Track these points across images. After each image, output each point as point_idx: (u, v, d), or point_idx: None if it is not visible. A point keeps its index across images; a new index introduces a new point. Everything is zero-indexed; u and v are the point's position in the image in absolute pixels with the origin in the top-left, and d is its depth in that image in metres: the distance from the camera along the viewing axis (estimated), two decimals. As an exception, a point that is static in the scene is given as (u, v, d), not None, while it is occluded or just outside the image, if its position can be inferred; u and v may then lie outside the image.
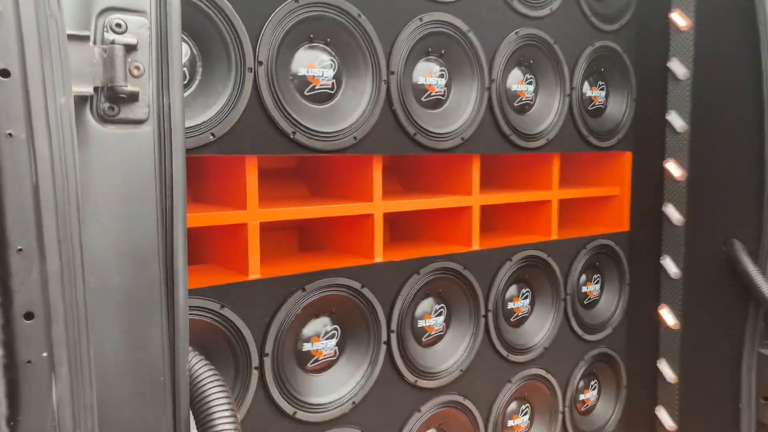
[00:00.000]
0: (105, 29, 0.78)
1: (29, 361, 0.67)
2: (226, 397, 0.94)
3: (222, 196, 1.71)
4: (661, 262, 2.34)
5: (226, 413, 0.92)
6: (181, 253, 0.87)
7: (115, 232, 0.81)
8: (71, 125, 0.72)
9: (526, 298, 2.23)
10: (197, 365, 0.95)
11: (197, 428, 0.93)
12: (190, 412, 0.93)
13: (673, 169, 2.27)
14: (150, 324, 0.84)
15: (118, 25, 0.79)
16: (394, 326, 1.82)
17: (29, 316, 0.67)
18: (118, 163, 0.81)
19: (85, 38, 0.76)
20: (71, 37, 0.74)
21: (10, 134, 0.66)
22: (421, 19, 1.78)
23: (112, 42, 0.78)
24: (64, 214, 0.71)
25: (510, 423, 2.20)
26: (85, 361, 0.74)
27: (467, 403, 2.01)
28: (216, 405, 0.92)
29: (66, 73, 0.71)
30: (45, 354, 0.69)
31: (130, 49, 0.79)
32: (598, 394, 2.51)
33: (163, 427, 0.86)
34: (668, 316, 2.33)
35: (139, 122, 0.82)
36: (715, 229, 2.19)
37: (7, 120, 0.65)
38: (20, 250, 0.67)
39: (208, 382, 0.94)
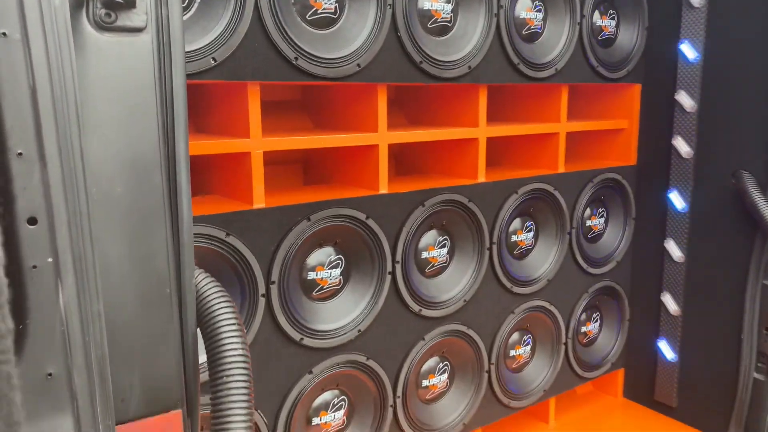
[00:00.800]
0: (97, -71, 0.75)
1: (35, 266, 0.68)
2: (233, 313, 0.95)
3: (225, 126, 1.69)
4: (669, 195, 2.33)
5: (233, 328, 0.93)
6: (184, 165, 0.86)
7: (116, 142, 0.80)
8: (67, 28, 0.70)
9: (530, 231, 2.23)
10: (203, 281, 0.96)
11: (204, 342, 0.94)
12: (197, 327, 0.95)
13: (684, 100, 2.23)
14: (154, 236, 0.84)
15: (111, -75, 0.76)
16: (398, 257, 1.83)
17: (32, 221, 0.67)
18: (117, 72, 0.79)
19: (77, -63, 0.73)
20: (62, -65, 0.71)
21: (4, 33, 0.64)
22: (427, -60, 1.72)
23: (106, -58, 0.75)
24: (64, 119, 0.70)
25: (512, 353, 2.24)
26: (91, 270, 0.75)
27: (470, 332, 2.04)
28: (223, 319, 0.93)
29: (59, -28, 0.68)
30: (50, 260, 0.69)
31: (124, -49, 0.76)
32: (600, 326, 2.54)
33: (171, 338, 0.87)
34: (673, 249, 2.33)
35: (137, 30, 0.80)
36: (725, 162, 2.17)
37: (0, 18, 0.63)
38: (20, 154, 0.66)
39: (215, 298, 0.95)
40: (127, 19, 0.79)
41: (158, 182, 0.84)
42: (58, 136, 0.69)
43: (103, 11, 0.77)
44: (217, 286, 0.96)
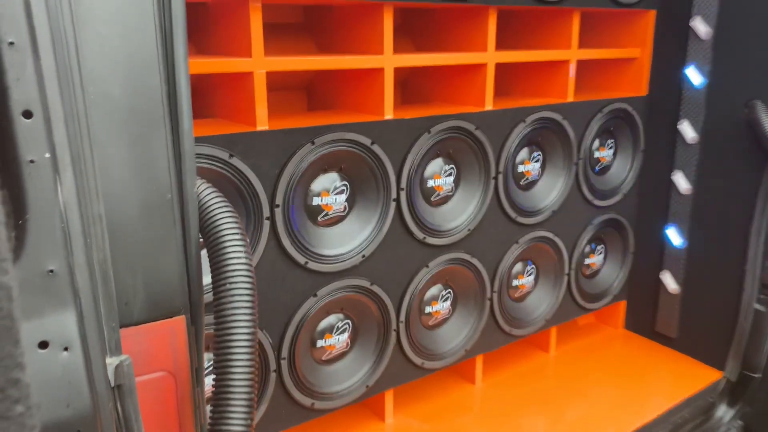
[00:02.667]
0: None
1: (32, 161, 0.66)
2: (235, 223, 0.94)
3: (226, 47, 1.65)
4: (678, 127, 2.29)
5: (237, 237, 0.93)
6: (183, 68, 0.83)
7: (111, 40, 0.77)
8: None
9: (537, 161, 2.20)
10: (206, 191, 0.95)
11: (207, 251, 0.94)
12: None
13: (699, 26, 2.16)
14: (154, 140, 0.82)
15: None
16: (403, 184, 1.82)
17: (27, 114, 0.66)
18: (109, -36, 0.76)
19: None
20: None
21: None
22: None
23: None
24: (56, 9, 0.67)
25: (515, 282, 2.26)
26: (90, 169, 0.74)
27: (474, 261, 2.05)
28: (225, 228, 0.92)
29: None
30: (47, 155, 0.68)
31: None
32: (604, 258, 2.55)
33: (173, 244, 0.87)
34: (681, 181, 2.30)
35: None
36: (738, 91, 2.12)
37: None
38: (11, 43, 0.64)
39: (217, 207, 0.94)
40: None
41: (156, 85, 0.81)
42: (51, 27, 0.67)
43: None
44: (219, 196, 0.95)
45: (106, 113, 0.79)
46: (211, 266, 0.93)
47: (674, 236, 2.37)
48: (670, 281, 2.41)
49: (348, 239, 1.76)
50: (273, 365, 1.69)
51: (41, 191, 0.67)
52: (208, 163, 1.46)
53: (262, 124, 1.57)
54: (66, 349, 0.70)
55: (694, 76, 2.22)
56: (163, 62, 0.82)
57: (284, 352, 1.70)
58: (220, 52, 1.68)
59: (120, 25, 0.78)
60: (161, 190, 0.84)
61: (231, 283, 0.89)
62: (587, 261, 2.48)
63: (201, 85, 1.75)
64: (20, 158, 0.66)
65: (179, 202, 0.87)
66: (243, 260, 0.90)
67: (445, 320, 2.10)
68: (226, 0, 1.48)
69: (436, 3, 1.77)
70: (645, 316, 2.55)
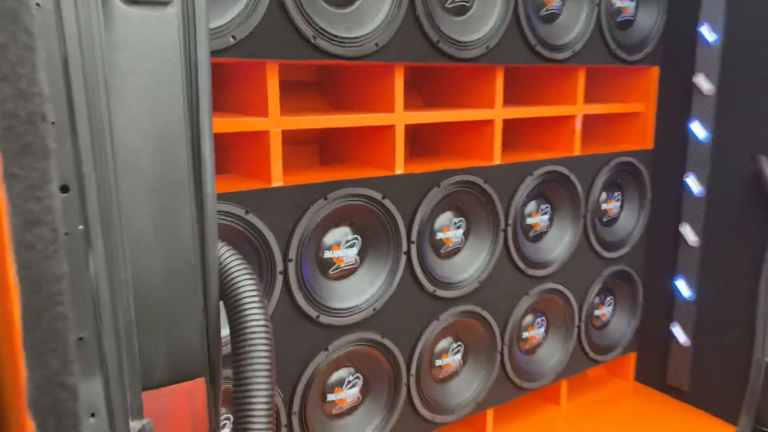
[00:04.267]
0: None
1: (67, 233, 0.69)
2: (255, 285, 0.96)
3: (243, 105, 1.70)
4: (685, 179, 2.32)
5: (255, 299, 0.95)
6: (208, 138, 0.87)
7: (142, 114, 0.81)
8: (96, 0, 0.71)
9: (545, 213, 2.23)
10: (226, 254, 0.98)
11: (227, 313, 0.96)
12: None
13: (702, 83, 2.21)
14: (179, 207, 0.85)
15: None
16: (414, 237, 1.84)
17: (65, 189, 0.69)
18: (144, 45, 0.81)
19: None
20: None
21: (38, 4, 0.65)
22: None
23: None
24: (93, 89, 0.71)
25: (525, 335, 2.26)
26: (118, 238, 0.77)
27: (484, 313, 2.06)
28: (245, 291, 0.95)
29: (88, -55, 0.69)
30: (81, 227, 0.71)
31: (151, -76, 0.77)
32: (614, 309, 2.55)
33: (195, 308, 0.89)
34: (689, 234, 2.32)
35: (163, 4, 0.81)
36: (742, 146, 2.15)
37: (34, -12, 0.64)
38: (53, 123, 0.67)
39: (237, 270, 0.96)
40: (153, -8, 0.80)
41: (183, 155, 0.85)
42: (88, 106, 0.71)
43: (130, -16, 0.78)
44: (239, 259, 0.98)
45: (135, 183, 0.82)
46: (230, 327, 0.95)
47: (683, 288, 2.37)
48: (680, 334, 2.40)
49: (359, 292, 1.78)
50: (284, 420, 1.68)
51: (75, 262, 0.70)
52: (225, 220, 1.50)
53: (277, 181, 1.61)
54: (93, 415, 0.71)
55: (698, 130, 2.26)
56: (189, 132, 0.86)
57: (295, 407, 1.70)
58: (238, 110, 1.73)
59: (151, 100, 0.82)
60: (185, 255, 0.87)
61: (250, 345, 0.91)
62: (597, 312, 2.47)
63: (218, 141, 1.79)
64: (58, 231, 0.69)
65: (201, 265, 0.89)
66: (262, 322, 0.93)
67: (455, 373, 2.09)
68: (244, 61, 1.54)
69: (445, 63, 1.82)
70: (656, 368, 2.53)
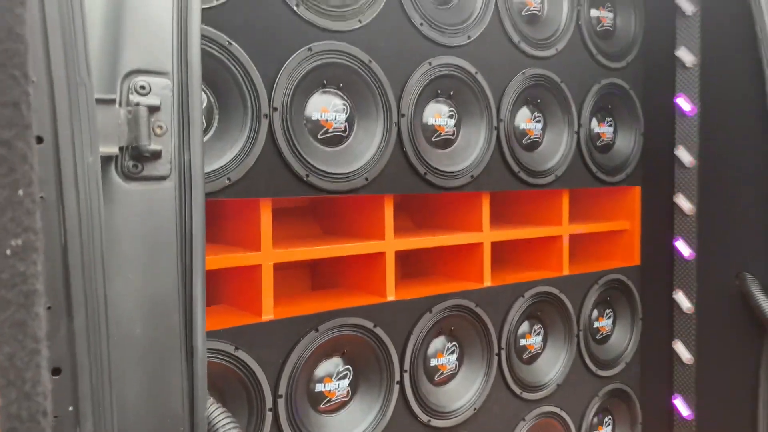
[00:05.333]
0: (130, 91, 0.82)
1: (56, 416, 0.69)
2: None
3: (237, 237, 1.74)
4: (674, 296, 2.34)
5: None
6: (200, 303, 0.89)
7: (137, 284, 0.83)
8: (98, 184, 0.75)
9: (538, 334, 2.23)
10: (215, 412, 0.97)
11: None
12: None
13: (683, 203, 2.28)
14: (171, 372, 0.86)
15: (143, 87, 0.83)
16: (407, 366, 1.83)
17: (56, 371, 0.70)
18: (141, 217, 0.84)
19: (111, 101, 0.80)
20: (99, 101, 0.77)
21: (42, 197, 0.69)
22: (430, 63, 1.83)
23: (137, 104, 0.81)
24: (90, 270, 0.74)
25: (524, 462, 2.18)
26: (108, 414, 0.76)
27: (481, 442, 2.00)
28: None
29: (94, 135, 0.74)
30: (71, 408, 0.71)
31: (153, 109, 0.83)
32: (613, 430, 2.48)
33: (182, 476, 0.87)
34: (682, 351, 2.31)
35: (161, 178, 0.85)
36: (727, 263, 2.19)
37: (41, 184, 0.68)
38: (49, 308, 0.69)
39: (226, 427, 0.95)
40: (152, 168, 0.85)
41: (176, 321, 0.87)
42: (85, 288, 0.73)
43: (131, 163, 0.83)
44: (228, 417, 0.97)
45: (127, 352, 0.83)
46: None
47: (681, 407, 2.33)
48: (683, 455, 2.33)
49: (351, 426, 1.74)
50: None
51: (61, 446, 0.69)
52: (214, 357, 1.49)
53: (268, 314, 1.62)
54: None
55: (683, 248, 2.31)
56: (182, 298, 0.88)
57: None
58: (230, 242, 1.77)
59: (147, 269, 0.85)
60: (175, 421, 0.86)
61: None
62: (596, 434, 2.41)
63: (209, 273, 1.81)
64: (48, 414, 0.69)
65: (190, 429, 0.88)
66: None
67: (452, 507, 2.00)
68: (239, 200, 1.59)
69: (433, 192, 1.89)
70: (661, 492, 2.44)
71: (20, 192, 0.38)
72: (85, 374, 0.72)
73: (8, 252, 0.38)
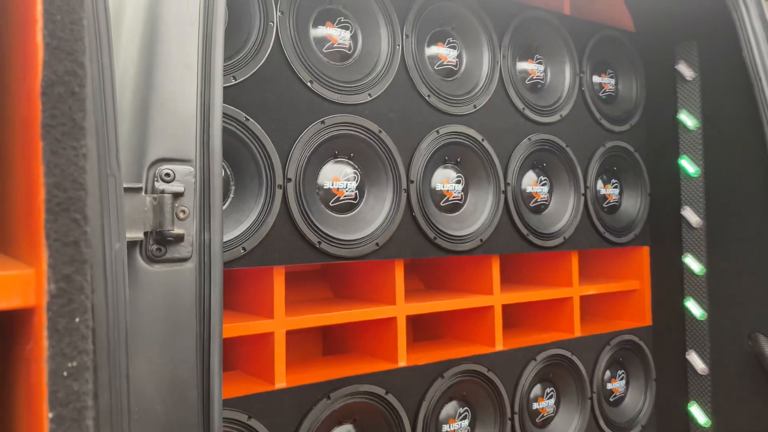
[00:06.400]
0: (155, 179, 0.87)
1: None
2: None
3: (250, 304, 1.77)
4: (687, 357, 2.32)
5: None
6: (217, 379, 0.91)
7: (158, 363, 0.86)
8: (124, 269, 0.79)
9: (551, 397, 2.21)
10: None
11: None
12: None
13: (692, 263, 2.30)
14: (188, 451, 0.88)
15: (167, 175, 0.88)
16: None
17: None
18: (163, 298, 0.88)
19: (138, 190, 0.85)
20: (127, 189, 0.82)
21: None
22: (437, 132, 1.89)
23: (162, 191, 0.86)
24: (115, 352, 0.77)
25: None
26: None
27: None
28: None
29: (121, 223, 0.78)
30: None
31: (177, 195, 0.88)
32: (632, 497, 2.42)
33: None
34: (699, 414, 2.28)
35: (183, 260, 0.89)
36: (739, 324, 2.19)
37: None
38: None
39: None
40: (175, 251, 0.89)
41: (194, 397, 0.89)
42: (110, 369, 0.76)
43: (155, 247, 0.87)
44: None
45: (148, 429, 0.85)
46: None
47: (701, 472, 2.28)
48: None
49: (364, 495, 1.72)
50: None
51: None
52: (228, 426, 1.50)
53: (280, 382, 1.63)
54: None
55: (694, 308, 2.31)
56: (201, 375, 0.90)
57: None
58: (243, 308, 1.79)
59: (168, 348, 0.88)
60: (191, 499, 0.88)
61: None
62: (614, 500, 2.35)
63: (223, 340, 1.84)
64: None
65: (206, 507, 0.89)
66: None
67: None
68: (253, 269, 1.62)
69: (442, 256, 1.92)
70: None
71: (77, 319, 0.42)
72: (107, 457, 0.74)
73: (65, 374, 0.42)
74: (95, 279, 0.75)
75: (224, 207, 1.59)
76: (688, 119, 2.32)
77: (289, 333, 1.68)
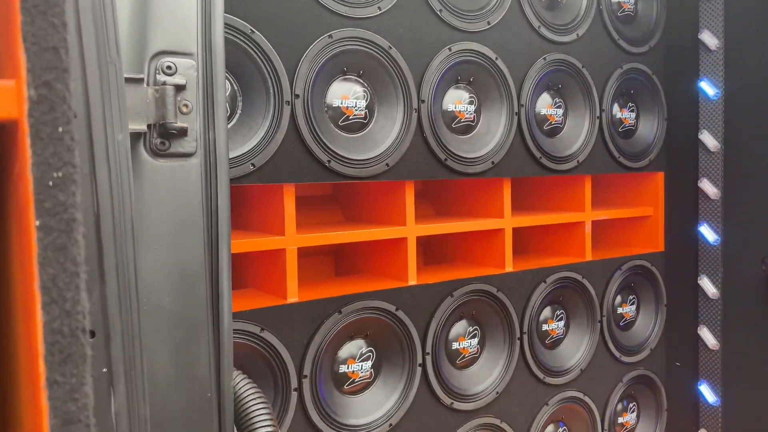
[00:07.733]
0: (157, 71, 0.86)
1: (92, 376, 0.73)
2: (268, 414, 0.99)
3: (261, 223, 1.78)
4: (699, 282, 2.32)
5: (269, 429, 0.97)
6: (226, 275, 0.93)
7: (165, 257, 0.87)
8: (127, 160, 0.79)
9: (561, 319, 2.23)
10: (241, 383, 1.01)
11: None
12: (234, 428, 0.99)
13: (708, 188, 2.27)
14: (197, 342, 0.90)
15: (169, 68, 0.86)
16: (428, 348, 1.85)
17: (92, 334, 0.74)
18: (169, 193, 0.88)
19: (139, 80, 0.84)
20: (128, 80, 0.81)
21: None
22: (450, 49, 1.84)
23: (164, 83, 0.85)
24: (121, 240, 0.78)
25: (548, 446, 2.19)
26: (139, 377, 0.80)
27: (504, 425, 2.02)
28: (259, 421, 0.97)
29: (123, 112, 0.78)
30: (105, 370, 0.75)
31: (179, 88, 0.87)
32: (638, 416, 2.47)
33: (211, 440, 0.91)
34: (708, 337, 2.30)
35: (187, 155, 0.89)
36: (753, 248, 2.17)
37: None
38: (92, 334, 0.73)
39: (251, 399, 0.99)
40: (179, 145, 0.88)
41: (202, 293, 0.90)
42: (117, 256, 0.77)
43: (158, 140, 0.87)
44: (253, 387, 1.01)
45: (156, 322, 0.87)
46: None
47: (708, 393, 2.31)
48: (709, 441, 2.32)
49: (375, 408, 1.77)
50: None
51: (97, 405, 0.73)
52: (241, 338, 1.53)
53: (293, 297, 1.66)
54: None
55: (708, 233, 2.29)
56: (209, 271, 0.92)
57: None
58: (255, 228, 1.81)
59: (175, 243, 0.89)
60: (202, 388, 0.90)
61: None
62: (620, 420, 2.41)
63: (235, 256, 1.86)
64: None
65: (217, 398, 0.92)
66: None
67: (476, 489, 2.03)
68: (263, 185, 1.62)
69: (453, 178, 1.91)
70: (687, 479, 2.42)
71: (60, 129, 0.42)
72: (117, 338, 0.76)
73: (50, 183, 0.42)
74: (99, 167, 0.75)
75: (232, 123, 1.58)
76: (710, 39, 2.24)
77: (301, 256, 1.69)
